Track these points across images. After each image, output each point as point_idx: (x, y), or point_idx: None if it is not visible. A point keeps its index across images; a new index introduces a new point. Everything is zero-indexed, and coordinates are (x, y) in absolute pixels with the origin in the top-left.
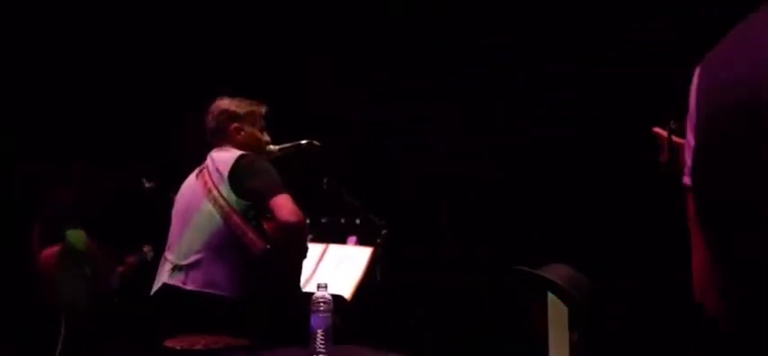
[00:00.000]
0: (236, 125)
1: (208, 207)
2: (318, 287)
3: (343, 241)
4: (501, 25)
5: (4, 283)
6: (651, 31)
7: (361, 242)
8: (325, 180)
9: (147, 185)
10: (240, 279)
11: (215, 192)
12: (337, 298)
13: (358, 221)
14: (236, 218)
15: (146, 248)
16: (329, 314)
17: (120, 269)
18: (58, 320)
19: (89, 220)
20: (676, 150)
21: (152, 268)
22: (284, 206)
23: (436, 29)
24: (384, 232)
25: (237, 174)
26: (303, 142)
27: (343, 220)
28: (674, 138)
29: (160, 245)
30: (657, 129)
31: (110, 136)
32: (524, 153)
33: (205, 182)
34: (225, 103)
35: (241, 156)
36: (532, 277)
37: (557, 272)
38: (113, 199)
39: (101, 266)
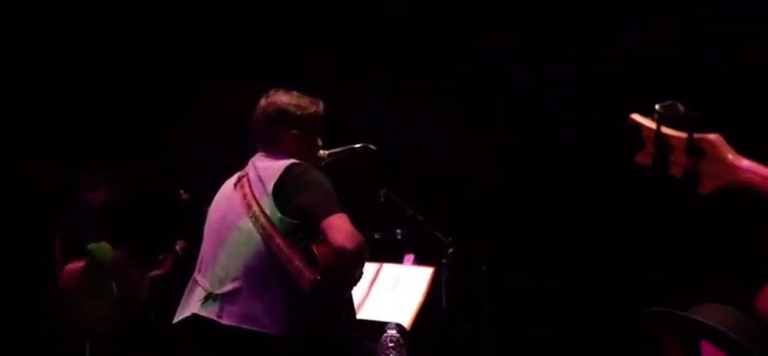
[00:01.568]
0: (294, 132)
1: (247, 225)
2: (387, 327)
3: (399, 259)
4: (501, 25)
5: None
6: (651, 31)
7: (420, 260)
8: (382, 191)
9: (183, 197)
10: (285, 313)
11: (255, 208)
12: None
13: (399, 232)
14: (278, 241)
15: (178, 245)
16: None
17: (151, 274)
18: (83, 348)
19: (117, 228)
20: (667, 146)
21: (185, 266)
22: (341, 229)
23: (436, 29)
24: (450, 251)
25: (285, 188)
26: (357, 146)
27: (399, 236)
28: (664, 130)
29: (193, 245)
30: (636, 117)
31: (114, 138)
32: (525, 153)
33: (245, 195)
34: (283, 101)
35: (291, 166)
36: (681, 321)
37: (716, 316)
38: (143, 205)
39: (128, 280)
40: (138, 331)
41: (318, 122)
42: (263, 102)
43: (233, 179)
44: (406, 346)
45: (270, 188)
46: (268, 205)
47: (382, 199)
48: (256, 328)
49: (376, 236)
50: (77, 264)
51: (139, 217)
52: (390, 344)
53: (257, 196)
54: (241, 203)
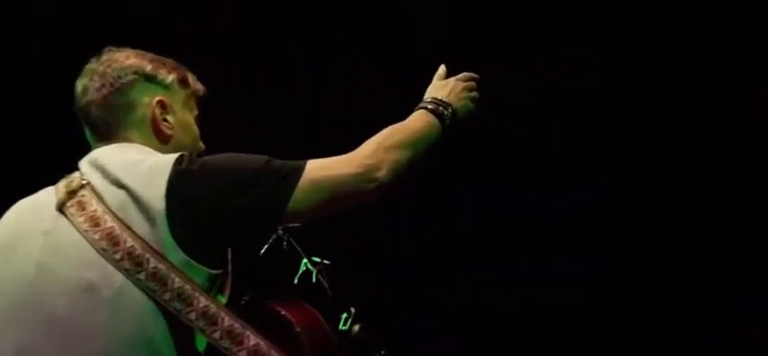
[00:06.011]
0: (159, 98)
1: (114, 281)
2: None
3: None
4: (502, 25)
5: None
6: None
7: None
8: (284, 235)
9: None
10: None
11: (131, 244)
12: None
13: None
14: (204, 302)
15: None
16: None
17: None
18: None
19: None
20: None
21: None
22: (338, 162)
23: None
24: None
25: (187, 201)
26: None
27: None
28: None
29: None
30: None
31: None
32: (526, 153)
33: (96, 222)
34: (127, 58)
35: (179, 160)
36: None
37: None
38: None
39: None
40: None
41: (194, 99)
42: (93, 65)
43: (45, 198)
44: None
45: (159, 203)
46: (160, 235)
47: (284, 245)
48: None
49: (242, 302)
50: None
51: None
52: None
53: (130, 221)
54: (91, 240)
